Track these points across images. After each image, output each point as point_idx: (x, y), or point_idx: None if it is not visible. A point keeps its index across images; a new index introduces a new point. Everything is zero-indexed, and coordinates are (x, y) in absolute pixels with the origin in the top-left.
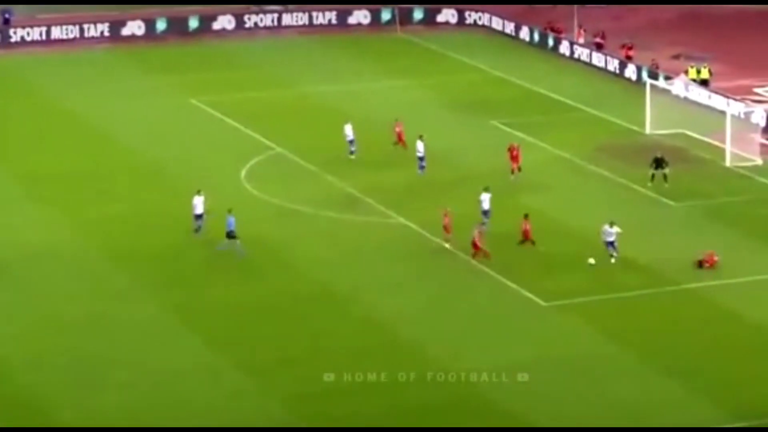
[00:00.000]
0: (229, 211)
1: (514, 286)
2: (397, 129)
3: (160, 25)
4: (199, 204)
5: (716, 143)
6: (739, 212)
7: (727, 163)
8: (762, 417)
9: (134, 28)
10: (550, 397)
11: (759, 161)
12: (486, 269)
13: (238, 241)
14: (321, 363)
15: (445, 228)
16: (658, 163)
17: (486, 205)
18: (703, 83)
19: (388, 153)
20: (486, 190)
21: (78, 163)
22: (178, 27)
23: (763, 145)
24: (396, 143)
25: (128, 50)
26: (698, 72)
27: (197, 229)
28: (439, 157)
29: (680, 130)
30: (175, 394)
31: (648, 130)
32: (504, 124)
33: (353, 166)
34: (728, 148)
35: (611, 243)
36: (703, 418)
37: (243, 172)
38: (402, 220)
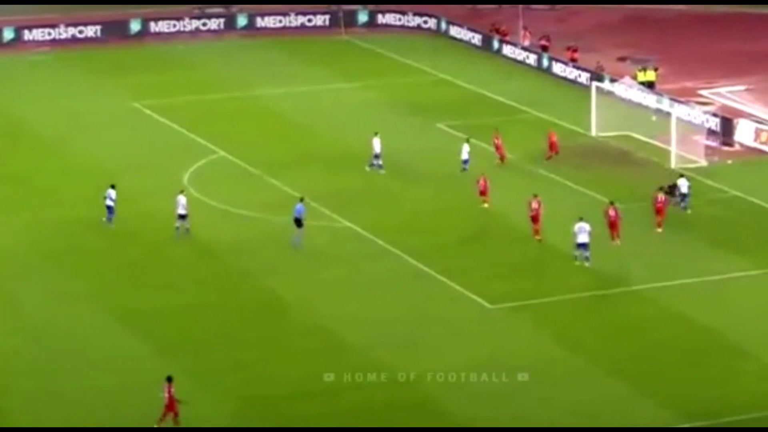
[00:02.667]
0: (301, 200)
1: (459, 288)
2: (496, 141)
3: (102, 28)
4: (181, 204)
5: (661, 145)
6: (685, 214)
7: (673, 165)
8: (709, 418)
9: (74, 31)
10: (497, 399)
11: (704, 163)
12: (431, 272)
13: (301, 231)
14: (270, 368)
15: (482, 192)
16: (671, 190)
17: (684, 189)
18: (649, 85)
19: (334, 157)
20: (682, 176)
21: (19, 166)
22: (119, 30)
23: (707, 147)
24: (501, 159)
25: (69, 53)
26: (644, 72)
27: (185, 231)
28: (385, 160)
29: (626, 133)
30: (123, 399)
31: (594, 132)
32: (450, 126)
33: (298, 169)
34: (673, 150)
35: (584, 245)
36: (650, 419)
37: (186, 176)
38: (348, 224)
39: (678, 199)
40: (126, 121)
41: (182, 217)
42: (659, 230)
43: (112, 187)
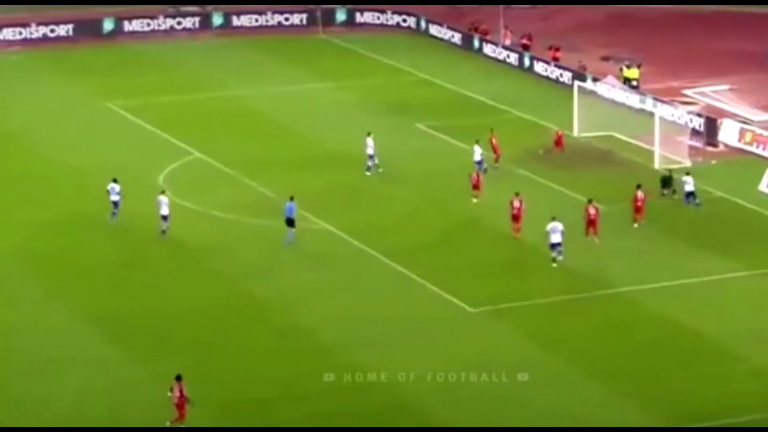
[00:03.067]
0: (291, 199)
1: (440, 291)
2: (493, 141)
3: (74, 27)
4: (164, 204)
5: (645, 146)
6: (669, 215)
7: (656, 166)
8: (693, 421)
9: (46, 30)
10: (479, 402)
11: (687, 163)
12: (412, 275)
13: (292, 230)
14: (254, 370)
15: (475, 186)
16: (665, 182)
17: (689, 187)
18: (633, 81)
19: (312, 157)
20: (688, 173)
21: None
22: (91, 29)
23: (691, 148)
24: (496, 159)
25: (40, 53)
26: (628, 69)
27: (161, 232)
28: (364, 160)
29: (609, 133)
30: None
31: (576, 132)
32: (430, 126)
33: (276, 170)
34: (657, 150)
35: (558, 244)
36: (636, 421)
37: (161, 178)
38: (325, 225)
39: (682, 197)
40: (99, 121)
41: (164, 218)
42: (638, 224)
43: (115, 180)
